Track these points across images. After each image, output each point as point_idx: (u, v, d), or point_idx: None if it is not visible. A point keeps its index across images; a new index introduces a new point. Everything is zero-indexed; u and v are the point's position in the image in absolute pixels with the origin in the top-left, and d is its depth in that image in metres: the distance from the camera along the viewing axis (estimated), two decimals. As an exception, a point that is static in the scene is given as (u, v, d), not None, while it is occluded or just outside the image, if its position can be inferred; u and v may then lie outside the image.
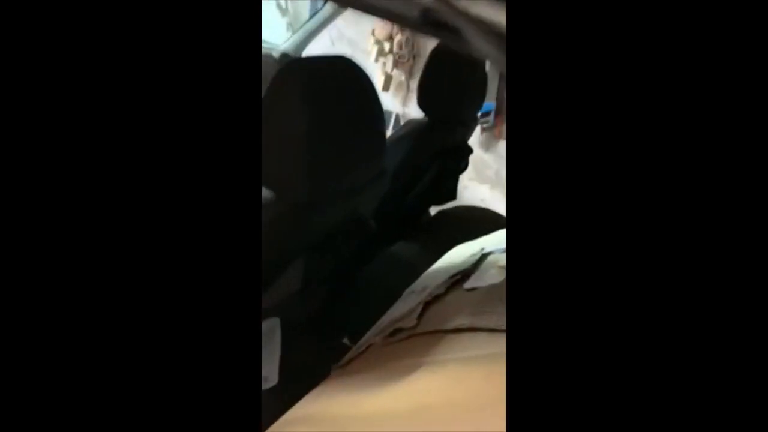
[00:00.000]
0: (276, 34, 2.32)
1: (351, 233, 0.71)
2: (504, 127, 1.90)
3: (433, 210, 1.25)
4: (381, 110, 0.66)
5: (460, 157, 1.18)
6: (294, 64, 0.61)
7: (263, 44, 1.87)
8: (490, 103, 1.85)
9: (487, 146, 1.97)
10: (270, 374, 0.62)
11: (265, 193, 0.59)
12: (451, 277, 0.57)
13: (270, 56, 1.77)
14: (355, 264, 0.82)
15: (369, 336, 0.55)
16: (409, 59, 2.06)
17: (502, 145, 1.95)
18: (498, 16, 0.24)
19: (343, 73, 0.62)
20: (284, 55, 1.76)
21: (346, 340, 0.68)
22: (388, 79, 2.16)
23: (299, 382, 0.51)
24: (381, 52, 2.06)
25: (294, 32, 1.74)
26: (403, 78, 2.12)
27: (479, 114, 1.71)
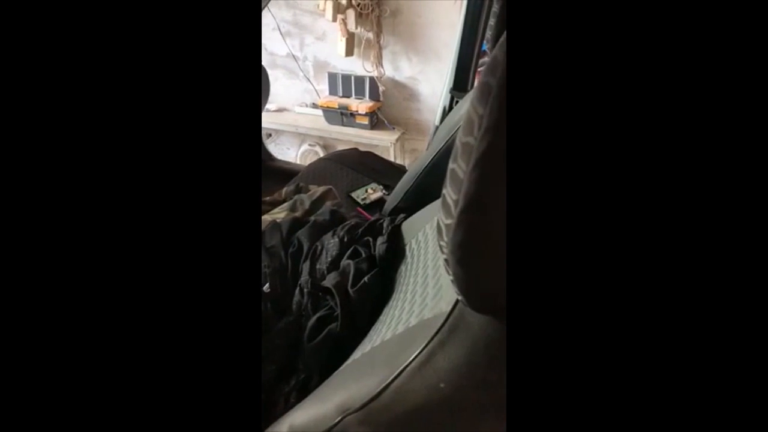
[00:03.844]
0: None
1: None
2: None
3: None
4: None
5: None
6: None
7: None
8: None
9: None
10: None
11: None
12: None
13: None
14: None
15: None
16: (374, 9, 1.70)
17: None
18: None
19: None
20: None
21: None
22: (350, 41, 1.78)
23: None
24: (338, 8, 1.67)
25: None
26: (370, 35, 1.75)
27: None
